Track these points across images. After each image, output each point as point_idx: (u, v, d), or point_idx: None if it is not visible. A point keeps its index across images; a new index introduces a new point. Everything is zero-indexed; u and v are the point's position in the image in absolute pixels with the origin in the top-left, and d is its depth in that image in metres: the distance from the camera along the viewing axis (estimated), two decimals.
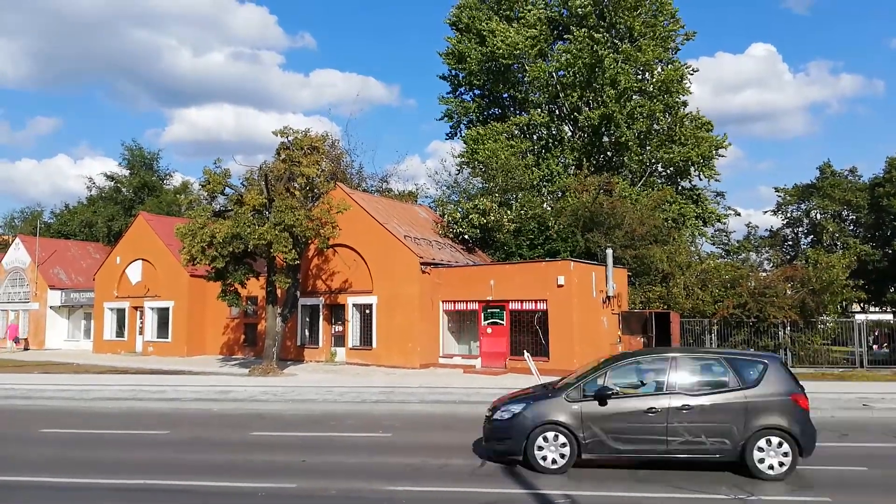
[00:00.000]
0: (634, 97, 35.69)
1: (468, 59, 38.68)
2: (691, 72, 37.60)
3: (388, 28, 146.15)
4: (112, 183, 52.80)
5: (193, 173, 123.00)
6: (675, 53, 39.32)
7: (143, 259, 33.46)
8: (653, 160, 36.67)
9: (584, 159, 36.74)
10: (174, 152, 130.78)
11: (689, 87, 37.64)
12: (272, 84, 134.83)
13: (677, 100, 36.78)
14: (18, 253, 41.40)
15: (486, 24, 37.84)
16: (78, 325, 39.51)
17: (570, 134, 39.27)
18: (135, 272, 33.76)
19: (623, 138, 35.18)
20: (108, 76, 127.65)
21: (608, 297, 24.40)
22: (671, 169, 37.48)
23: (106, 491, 8.28)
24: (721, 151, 37.13)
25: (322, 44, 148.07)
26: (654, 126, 36.08)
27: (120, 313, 34.39)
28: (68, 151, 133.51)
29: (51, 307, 39.24)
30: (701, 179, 38.06)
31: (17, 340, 39.23)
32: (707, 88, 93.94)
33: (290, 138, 22.89)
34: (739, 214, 43.61)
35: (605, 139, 38.10)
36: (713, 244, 43.62)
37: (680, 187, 38.34)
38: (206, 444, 11.51)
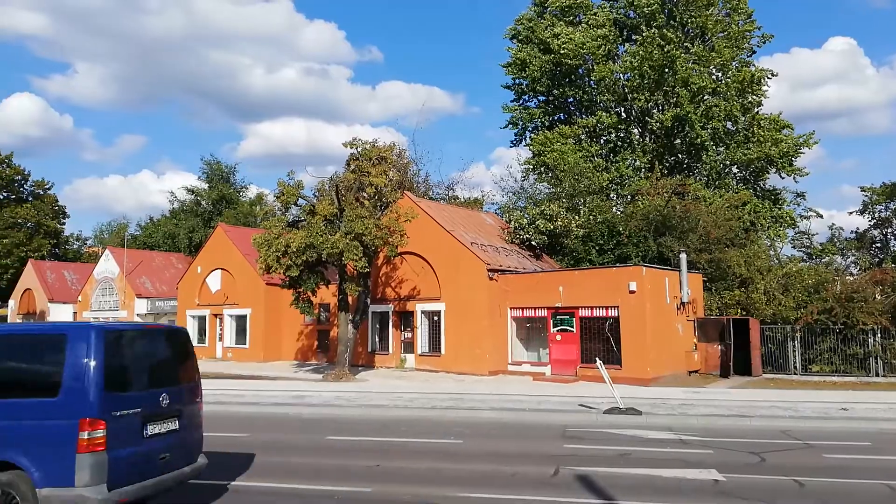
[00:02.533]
0: (708, 97, 34.59)
1: (530, 66, 38.55)
2: (770, 76, 36.16)
3: (451, 38, 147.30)
4: (192, 196, 55.43)
5: (267, 185, 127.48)
6: (751, 55, 38.00)
7: (222, 268, 34.90)
8: (729, 161, 35.40)
9: (656, 162, 35.86)
10: (249, 165, 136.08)
11: (767, 90, 36.27)
12: (341, 97, 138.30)
13: (753, 100, 35.44)
14: (108, 264, 43.99)
15: (549, 31, 37.66)
16: None
17: (639, 136, 38.46)
18: (214, 281, 35.25)
19: (698, 139, 34.12)
20: (187, 95, 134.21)
21: (683, 303, 23.69)
22: (749, 170, 36.08)
23: (191, 491, 8.65)
24: (802, 150, 35.50)
25: (388, 56, 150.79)
26: (730, 126, 34.87)
27: (201, 320, 35.95)
28: (152, 167, 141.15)
29: (138, 315, 41.45)
30: (782, 178, 36.42)
31: None
32: (784, 86, 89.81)
33: (358, 149, 23.42)
34: (822, 216, 41.38)
35: (678, 141, 37.08)
36: (794, 247, 41.60)
37: (757, 188, 36.83)
38: (284, 447, 11.86)
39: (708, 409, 15.14)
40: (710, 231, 27.48)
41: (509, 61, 40.25)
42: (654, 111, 36.23)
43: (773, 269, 27.52)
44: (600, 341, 22.57)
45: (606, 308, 22.41)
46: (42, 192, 62.05)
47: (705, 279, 26.78)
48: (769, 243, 34.27)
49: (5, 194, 60.29)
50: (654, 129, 36.32)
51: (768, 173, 36.27)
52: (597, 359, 16.65)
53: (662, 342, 22.21)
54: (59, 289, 49.08)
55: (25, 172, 61.59)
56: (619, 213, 32.64)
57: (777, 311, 24.65)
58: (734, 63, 35.86)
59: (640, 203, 30.91)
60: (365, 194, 23.27)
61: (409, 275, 26.90)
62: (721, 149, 35.13)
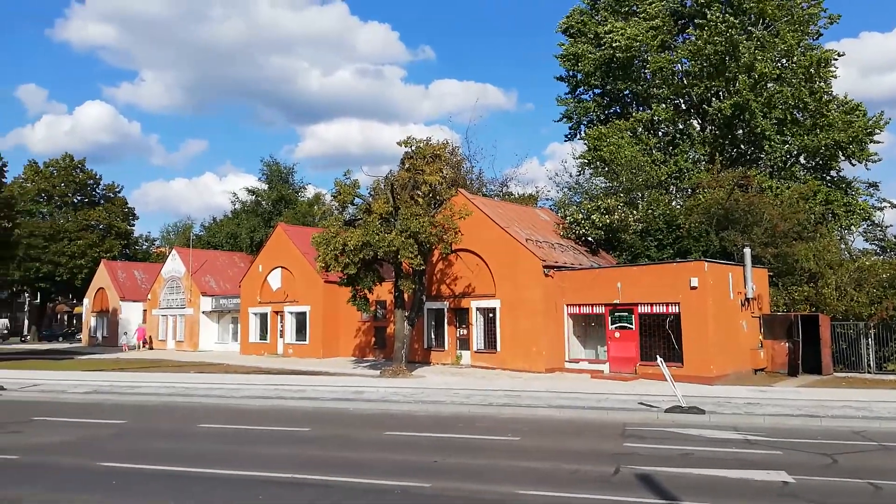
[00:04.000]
0: (770, 84, 33.24)
1: (583, 60, 37.95)
2: (836, 56, 34.47)
3: (504, 35, 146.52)
4: (253, 197, 56.98)
5: (324, 185, 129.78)
6: (817, 39, 36.32)
7: (282, 267, 35.81)
8: (795, 150, 33.96)
9: (717, 153, 34.75)
10: (307, 166, 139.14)
11: (835, 72, 34.55)
12: (395, 97, 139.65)
13: (821, 86, 33.86)
14: (175, 263, 45.72)
15: (601, 26, 37.00)
16: (226, 329, 42.95)
17: (698, 128, 37.35)
18: (275, 279, 36.20)
19: (760, 129, 32.84)
20: (248, 99, 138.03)
21: (747, 299, 22.92)
22: (816, 158, 34.52)
23: (259, 483, 8.94)
24: (876, 137, 33.70)
25: (441, 55, 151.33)
26: (797, 114, 33.43)
27: (262, 317, 36.98)
28: (214, 170, 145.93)
29: (203, 312, 42.95)
30: (853, 164, 34.64)
31: (144, 342, 45.61)
32: (852, 71, 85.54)
33: (412, 148, 23.60)
34: None
35: (739, 131, 35.80)
36: (866, 240, 39.58)
37: (827, 178, 35.21)
38: (344, 441, 12.11)
39: (775, 408, 14.62)
40: (776, 224, 26.45)
41: (563, 53, 39.75)
42: (714, 100, 35.09)
43: (844, 264, 26.30)
44: (660, 338, 22.08)
45: (667, 304, 21.89)
46: (113, 196, 65.03)
47: (771, 274, 25.83)
48: (840, 236, 32.74)
49: (79, 198, 63.49)
50: (714, 119, 35.19)
51: (838, 161, 34.57)
52: (657, 356, 16.32)
53: (726, 339, 21.56)
54: (130, 287, 51.34)
55: (97, 177, 64.73)
56: (678, 207, 31.79)
57: (849, 307, 23.56)
58: (800, 48, 34.35)
59: (700, 196, 30.02)
60: (419, 192, 23.44)
61: (463, 272, 26.95)
62: (786, 137, 33.72)
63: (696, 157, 35.95)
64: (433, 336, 28.66)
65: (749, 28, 34.09)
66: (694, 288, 21.07)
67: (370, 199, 24.17)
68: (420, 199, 23.34)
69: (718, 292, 21.69)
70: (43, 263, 55.46)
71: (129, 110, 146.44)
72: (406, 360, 23.99)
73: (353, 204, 24.88)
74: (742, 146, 36.54)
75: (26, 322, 70.02)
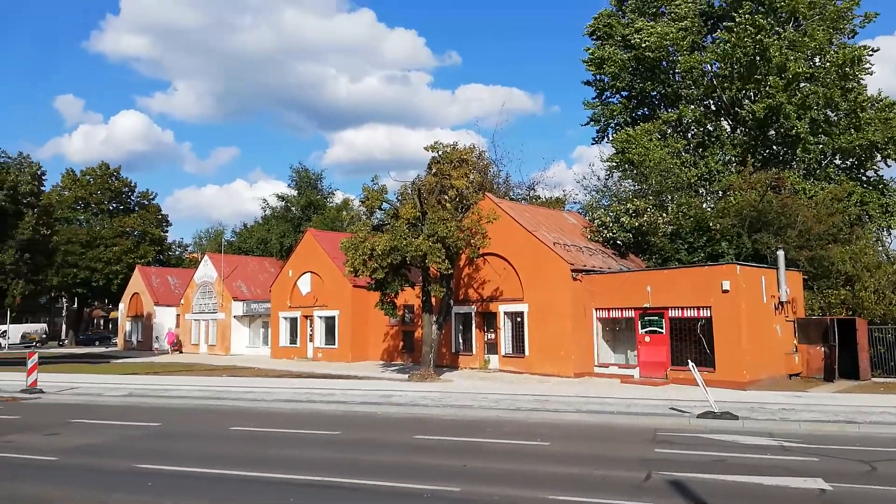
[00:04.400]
0: (804, 84, 32.57)
1: (611, 62, 37.65)
2: (870, 52, 33.67)
3: (530, 39, 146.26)
4: (282, 203, 57.80)
5: (352, 191, 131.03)
6: (853, 38, 35.49)
7: (311, 272, 36.17)
8: (830, 150, 33.22)
9: (748, 155, 34.16)
10: (335, 172, 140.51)
11: (871, 69, 33.72)
12: (422, 103, 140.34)
13: (855, 84, 33.07)
14: (207, 268, 46.49)
15: (629, 28, 36.69)
16: (257, 333, 43.50)
17: (729, 129, 36.77)
18: (304, 284, 36.58)
19: (794, 130, 32.21)
20: (277, 107, 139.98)
21: (781, 303, 22.47)
22: (851, 159, 33.73)
23: (289, 486, 9.05)
24: None
25: (467, 60, 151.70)
26: (830, 114, 32.69)
27: (293, 322, 37.38)
28: (245, 176, 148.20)
29: (234, 316, 43.58)
30: (888, 166, 33.83)
31: (174, 345, 46.89)
32: (889, 69, 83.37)
33: (439, 153, 23.67)
34: None
35: (772, 132, 35.15)
36: None
37: (863, 177, 34.36)
38: (374, 445, 12.16)
39: (811, 414, 14.29)
40: (811, 226, 25.90)
41: (590, 58, 39.50)
42: (745, 102, 34.52)
43: (882, 266, 25.64)
44: (691, 343, 21.74)
45: (698, 308, 21.57)
46: (147, 203, 66.46)
47: (806, 277, 25.30)
48: (876, 238, 31.93)
49: (115, 205, 65.01)
50: (746, 120, 34.61)
51: (874, 161, 33.72)
52: (689, 361, 16.07)
53: (759, 344, 21.15)
54: (164, 293, 52.33)
55: (132, 184, 66.23)
56: (708, 209, 31.31)
57: (888, 310, 23.01)
58: (832, 47, 33.63)
59: (731, 198, 29.55)
60: (446, 197, 23.49)
61: (491, 276, 26.91)
62: (820, 138, 33.00)
63: (727, 158, 35.39)
64: (461, 340, 28.65)
65: (777, 29, 33.48)
66: (726, 291, 20.73)
67: (397, 204, 24.31)
68: (447, 204, 23.40)
69: (751, 296, 21.31)
70: (80, 269, 56.90)
71: (162, 119, 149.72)
72: (434, 365, 24.03)
73: (380, 209, 25.05)
74: (775, 147, 35.87)
75: (64, 326, 71.87)
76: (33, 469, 10.30)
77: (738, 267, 21.33)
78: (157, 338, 49.47)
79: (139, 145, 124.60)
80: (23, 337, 56.48)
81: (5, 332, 53.10)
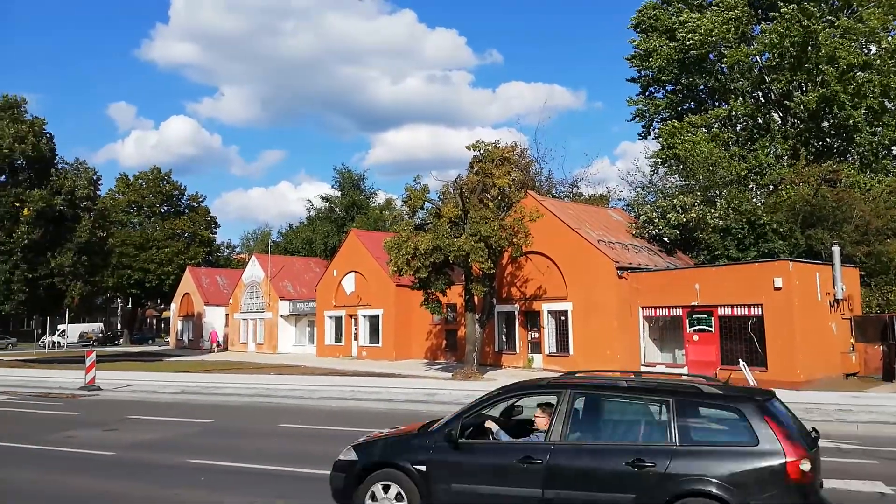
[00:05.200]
0: (859, 73, 31.33)
1: (656, 55, 36.87)
2: None
3: (571, 35, 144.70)
4: (327, 204, 58.64)
5: (395, 191, 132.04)
6: None
7: (355, 271, 36.61)
8: (888, 141, 31.89)
9: (801, 147, 33.07)
10: (377, 173, 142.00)
11: None
12: (463, 102, 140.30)
13: None
14: (254, 269, 47.50)
15: (674, 18, 35.89)
16: (303, 332, 44.25)
17: (779, 122, 35.65)
18: (349, 283, 37.05)
19: (849, 120, 31.01)
20: (320, 110, 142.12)
21: (836, 300, 21.71)
22: None
23: None
24: None
25: (508, 58, 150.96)
26: (888, 103, 31.38)
27: (337, 321, 37.90)
28: (290, 178, 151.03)
29: (281, 316, 44.42)
30: None
31: (218, 344, 48.54)
32: None
33: (481, 151, 23.66)
34: None
35: (825, 124, 33.94)
36: None
37: None
38: None
39: (870, 415, 13.79)
40: (868, 221, 24.94)
41: (634, 53, 38.82)
42: (796, 93, 33.41)
43: None
44: (742, 342, 21.19)
45: (749, 306, 21.01)
46: (196, 205, 68.30)
47: (863, 274, 24.38)
48: None
49: (166, 208, 67.04)
50: (797, 112, 33.49)
51: None
52: (740, 360, 15.71)
53: (813, 342, 20.48)
54: (213, 293, 53.70)
55: (182, 188, 68.19)
56: (759, 204, 30.43)
57: None
58: (889, 33, 32.24)
59: (783, 193, 28.65)
60: (489, 195, 23.47)
61: (534, 274, 26.76)
62: (878, 129, 31.70)
63: (778, 151, 34.33)
64: (504, 339, 28.57)
65: (829, 17, 32.26)
66: (778, 289, 20.14)
67: (440, 204, 24.40)
68: (489, 203, 23.38)
69: (805, 293, 20.65)
70: (134, 271, 58.91)
71: (210, 124, 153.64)
72: (477, 363, 24.03)
73: (422, 209, 25.19)
74: (829, 139, 34.65)
75: (119, 326, 74.45)
76: (94, 464, 10.69)
77: (791, 263, 20.71)
78: (202, 337, 50.88)
79: (188, 149, 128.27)
80: (80, 336, 58.71)
81: (64, 331, 55.22)
